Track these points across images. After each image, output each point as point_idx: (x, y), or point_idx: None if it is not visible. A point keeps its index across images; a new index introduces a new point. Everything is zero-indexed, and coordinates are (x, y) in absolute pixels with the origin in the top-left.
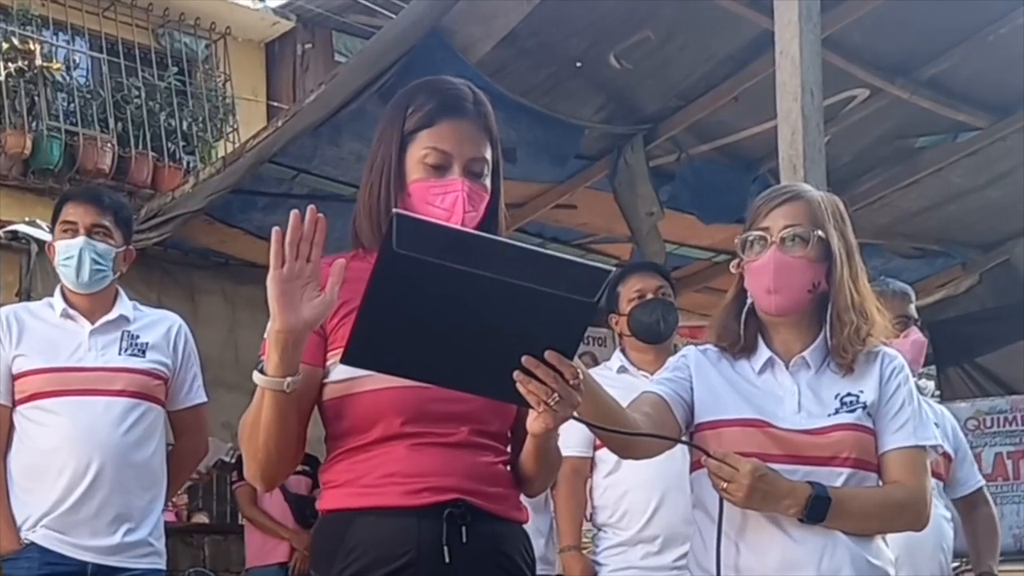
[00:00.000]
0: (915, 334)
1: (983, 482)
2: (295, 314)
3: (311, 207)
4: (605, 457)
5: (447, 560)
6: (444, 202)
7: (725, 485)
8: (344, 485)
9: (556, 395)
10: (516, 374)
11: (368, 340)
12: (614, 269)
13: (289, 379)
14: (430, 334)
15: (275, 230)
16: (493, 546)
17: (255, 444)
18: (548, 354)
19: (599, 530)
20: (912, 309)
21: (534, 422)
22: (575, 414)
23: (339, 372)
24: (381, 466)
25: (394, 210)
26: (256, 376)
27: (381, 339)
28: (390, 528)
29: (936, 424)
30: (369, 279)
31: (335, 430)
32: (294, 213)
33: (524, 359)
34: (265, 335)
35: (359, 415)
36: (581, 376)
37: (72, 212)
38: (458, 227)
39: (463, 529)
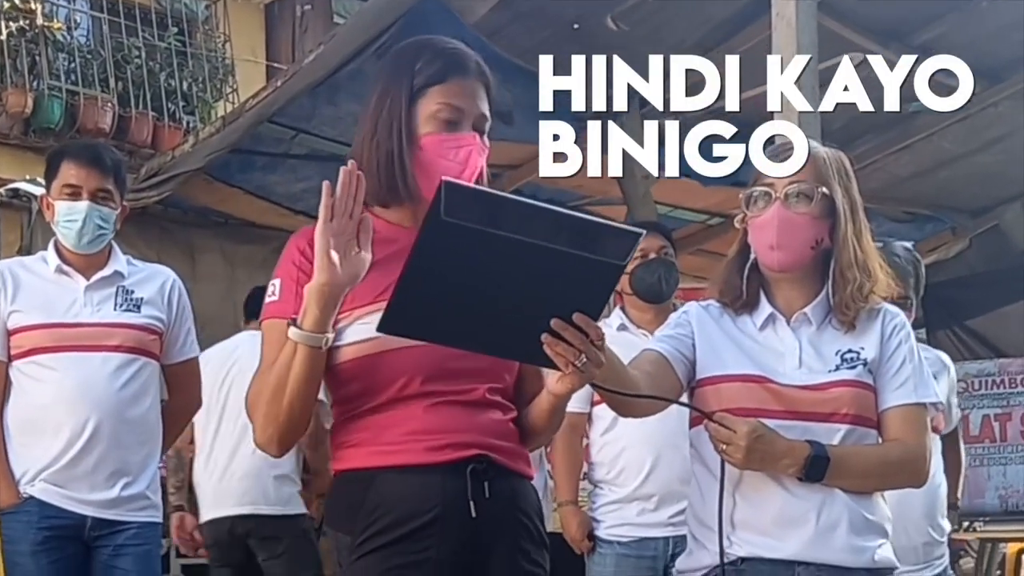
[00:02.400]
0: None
1: (954, 424)
2: (340, 268)
3: (352, 162)
4: (602, 414)
5: (473, 515)
6: (458, 156)
7: (724, 447)
8: (362, 444)
9: (583, 356)
10: (544, 337)
11: (406, 307)
12: (644, 232)
13: (326, 335)
14: (465, 300)
15: (326, 184)
16: (511, 501)
17: (277, 406)
18: (576, 316)
19: (595, 487)
20: (908, 288)
21: (559, 383)
22: None
23: (354, 333)
24: (401, 424)
25: (443, 178)
26: (293, 332)
27: (418, 306)
28: (415, 485)
29: (935, 375)
30: (413, 247)
31: (348, 392)
32: (344, 169)
33: (553, 322)
34: (269, 297)
35: (380, 375)
36: (605, 336)
37: (75, 174)
38: (503, 193)
39: (486, 484)
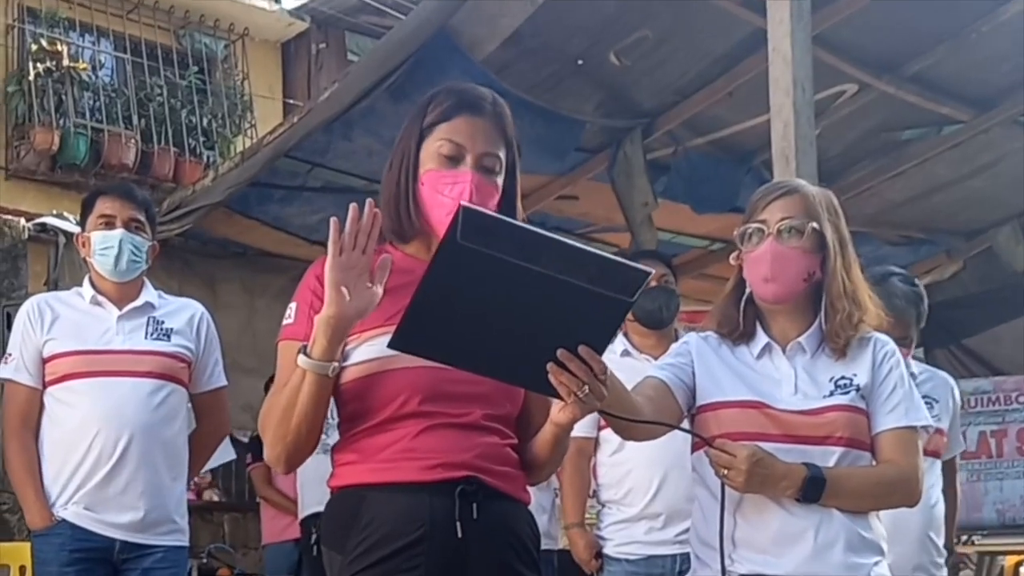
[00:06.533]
0: None
1: (960, 449)
2: (348, 302)
3: (369, 200)
4: (609, 437)
5: (459, 535)
6: (452, 192)
7: (725, 472)
8: (357, 463)
9: (586, 387)
10: (549, 366)
11: (418, 326)
12: (652, 272)
13: (334, 364)
14: (475, 323)
15: (333, 220)
16: (502, 523)
17: (286, 427)
18: (581, 349)
19: (603, 507)
20: (909, 328)
21: (561, 413)
22: None
23: (360, 354)
24: (394, 443)
25: (461, 202)
26: (301, 359)
27: (430, 326)
28: (403, 503)
29: (936, 399)
30: (428, 267)
31: (352, 411)
32: (352, 206)
33: (559, 352)
34: (286, 320)
35: (380, 394)
36: (608, 371)
37: (109, 206)
38: (519, 222)
39: (474, 506)
